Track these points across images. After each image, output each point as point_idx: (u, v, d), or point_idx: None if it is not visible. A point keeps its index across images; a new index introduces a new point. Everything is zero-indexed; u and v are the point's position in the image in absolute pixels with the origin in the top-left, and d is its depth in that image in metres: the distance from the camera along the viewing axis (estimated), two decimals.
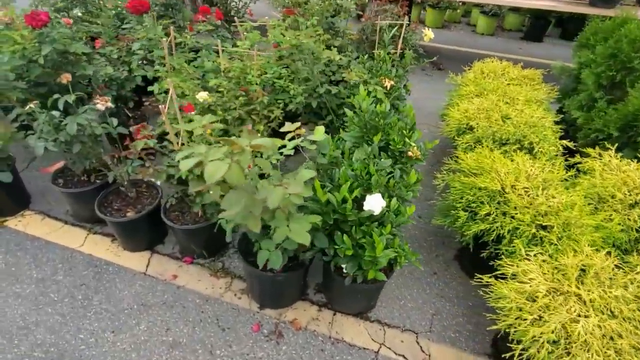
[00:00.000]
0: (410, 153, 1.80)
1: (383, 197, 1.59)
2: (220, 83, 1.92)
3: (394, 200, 1.57)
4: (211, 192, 1.43)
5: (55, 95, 1.86)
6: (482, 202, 1.90)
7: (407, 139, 1.82)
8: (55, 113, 1.87)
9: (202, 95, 1.84)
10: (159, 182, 2.19)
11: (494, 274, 1.64)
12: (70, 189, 2.18)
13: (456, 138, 2.48)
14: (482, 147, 2.24)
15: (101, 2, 3.24)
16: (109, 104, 2.00)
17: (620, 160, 2.07)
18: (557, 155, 2.23)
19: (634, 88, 2.51)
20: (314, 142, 1.60)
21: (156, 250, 2.27)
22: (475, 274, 2.25)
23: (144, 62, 2.64)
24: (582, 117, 2.77)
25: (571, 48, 3.29)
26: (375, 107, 1.83)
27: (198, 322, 1.90)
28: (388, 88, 2.38)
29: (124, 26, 2.56)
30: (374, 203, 1.50)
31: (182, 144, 1.74)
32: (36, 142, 1.82)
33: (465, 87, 3.00)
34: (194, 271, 2.16)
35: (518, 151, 2.21)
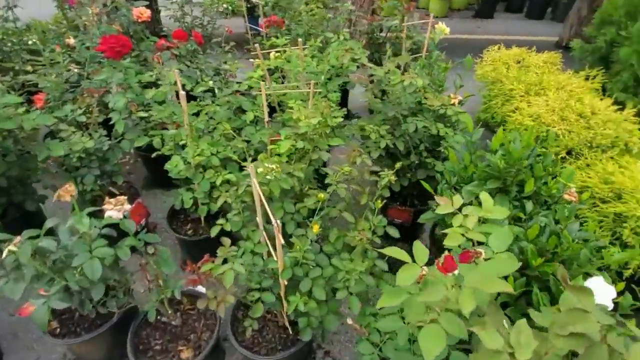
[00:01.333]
0: (568, 196, 1.39)
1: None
2: (295, 145, 1.33)
3: (607, 277, 1.15)
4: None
5: (50, 222, 1.13)
6: (636, 233, 1.56)
7: (559, 178, 1.41)
8: (48, 244, 1.14)
9: (275, 170, 1.23)
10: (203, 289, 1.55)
11: None
12: (80, 337, 1.44)
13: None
14: (586, 157, 1.92)
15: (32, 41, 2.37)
16: (127, 206, 1.31)
17: None
18: None
19: None
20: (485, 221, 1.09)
21: None
22: None
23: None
24: (627, 99, 2.59)
25: (523, 20, 3.07)
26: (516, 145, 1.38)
27: None
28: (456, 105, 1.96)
29: (97, 77, 1.79)
30: (600, 294, 1.06)
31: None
32: (34, 301, 1.10)
33: (502, 84, 2.68)
34: None
35: (623, 156, 1.92)
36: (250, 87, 1.74)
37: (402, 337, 1.00)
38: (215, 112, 1.66)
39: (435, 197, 1.14)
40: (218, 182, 1.50)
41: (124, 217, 1.32)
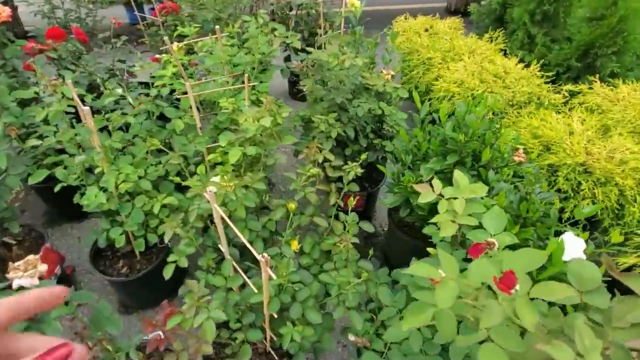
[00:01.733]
0: (517, 157, 1.44)
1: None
2: (245, 152, 1.14)
3: (577, 231, 1.21)
4: None
5: None
6: (567, 179, 1.71)
7: (505, 141, 1.45)
8: None
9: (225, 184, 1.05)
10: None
11: None
12: None
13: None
14: (510, 116, 2.05)
15: None
16: (42, 267, 1.01)
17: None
18: (566, 102, 2.19)
19: (570, 16, 2.65)
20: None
21: None
22: None
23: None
24: (525, 56, 2.84)
25: None
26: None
27: None
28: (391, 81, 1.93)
29: None
30: (572, 249, 1.11)
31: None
32: None
33: (420, 54, 2.74)
34: None
35: (538, 109, 2.09)
36: (170, 87, 1.46)
37: (415, 343, 0.93)
38: (131, 124, 1.37)
39: (415, 186, 1.07)
40: (156, 209, 1.24)
41: (40, 279, 1.03)
